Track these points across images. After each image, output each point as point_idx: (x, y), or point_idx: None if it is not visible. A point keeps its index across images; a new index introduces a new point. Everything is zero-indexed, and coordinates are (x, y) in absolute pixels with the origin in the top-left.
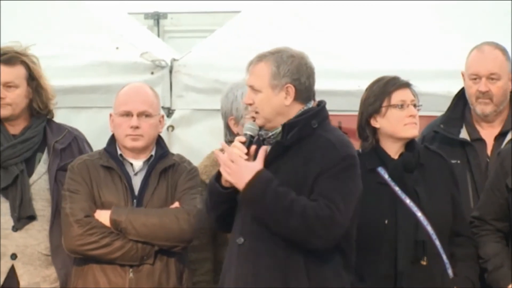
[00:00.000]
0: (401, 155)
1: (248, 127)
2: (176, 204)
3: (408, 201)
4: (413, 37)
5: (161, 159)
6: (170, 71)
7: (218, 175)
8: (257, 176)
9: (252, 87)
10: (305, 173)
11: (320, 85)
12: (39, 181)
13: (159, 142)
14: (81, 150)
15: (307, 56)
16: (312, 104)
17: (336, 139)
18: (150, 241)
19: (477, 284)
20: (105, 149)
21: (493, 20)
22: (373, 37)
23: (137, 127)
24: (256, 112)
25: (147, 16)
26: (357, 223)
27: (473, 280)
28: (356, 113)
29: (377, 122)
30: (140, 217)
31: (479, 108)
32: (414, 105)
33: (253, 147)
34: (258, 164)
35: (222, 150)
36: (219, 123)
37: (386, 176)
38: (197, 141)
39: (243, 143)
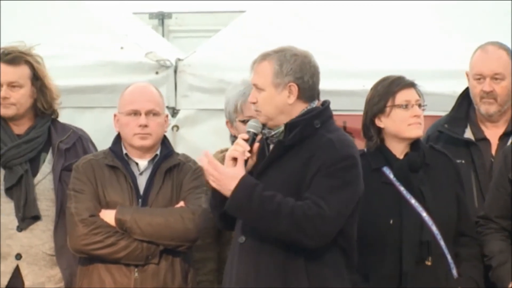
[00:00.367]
0: (406, 154)
1: (252, 125)
2: (181, 204)
3: (413, 201)
4: (415, 36)
5: (166, 158)
6: (175, 71)
7: None
8: (241, 183)
9: (256, 86)
10: (305, 172)
11: (325, 85)
12: (44, 181)
13: (164, 141)
14: (86, 150)
15: (311, 55)
16: (316, 103)
17: (337, 139)
18: (155, 241)
19: (481, 284)
20: (110, 148)
21: (493, 20)
22: (381, 37)
23: (145, 126)
24: (259, 110)
25: (151, 16)
26: (357, 223)
27: (478, 280)
28: (361, 113)
29: (382, 122)
30: (145, 217)
31: (484, 108)
32: (419, 105)
33: (257, 145)
34: (239, 171)
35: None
36: (223, 123)
37: (391, 176)
38: (202, 141)
39: (246, 140)
